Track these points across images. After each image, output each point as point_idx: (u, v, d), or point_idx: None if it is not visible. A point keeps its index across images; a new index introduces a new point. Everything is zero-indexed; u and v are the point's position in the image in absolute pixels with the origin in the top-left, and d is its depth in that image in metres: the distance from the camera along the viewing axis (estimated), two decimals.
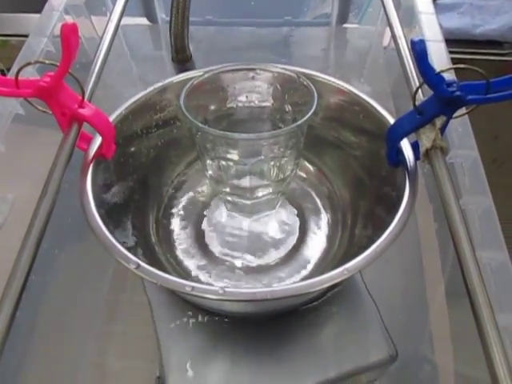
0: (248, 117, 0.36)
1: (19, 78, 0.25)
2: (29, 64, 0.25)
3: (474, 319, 0.20)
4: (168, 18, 0.48)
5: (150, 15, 0.46)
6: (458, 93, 0.24)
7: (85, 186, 0.27)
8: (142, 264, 0.23)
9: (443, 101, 0.25)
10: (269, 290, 0.22)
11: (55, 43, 0.34)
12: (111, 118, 0.31)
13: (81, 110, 0.27)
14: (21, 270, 0.21)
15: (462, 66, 0.24)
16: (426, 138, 0.26)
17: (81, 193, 0.27)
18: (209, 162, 0.33)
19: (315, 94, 0.30)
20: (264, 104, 0.36)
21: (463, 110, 0.27)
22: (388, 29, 0.34)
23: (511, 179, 0.72)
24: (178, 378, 0.30)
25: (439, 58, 0.32)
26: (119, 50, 0.43)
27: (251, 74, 0.35)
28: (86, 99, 0.28)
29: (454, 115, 0.26)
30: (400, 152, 0.29)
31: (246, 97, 0.36)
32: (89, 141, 0.30)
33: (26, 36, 0.60)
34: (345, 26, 0.45)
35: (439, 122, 0.25)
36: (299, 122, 0.28)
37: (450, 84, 0.25)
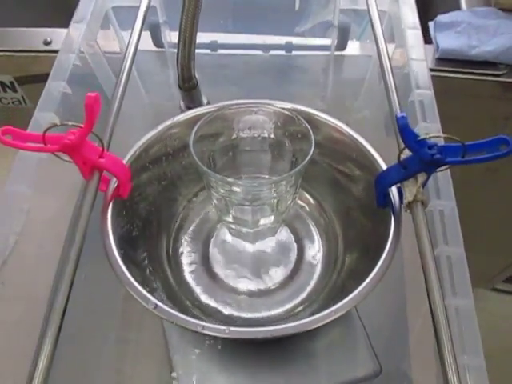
0: (251, 148, 0.39)
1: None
2: (55, 125, 0.28)
3: (439, 358, 0.24)
4: (175, 41, 0.50)
5: (157, 41, 0.49)
6: (437, 156, 0.27)
7: (106, 227, 0.31)
8: (160, 304, 0.27)
9: (424, 162, 0.28)
10: (269, 329, 0.26)
11: (71, 84, 0.37)
12: (126, 159, 0.34)
13: (101, 160, 0.30)
14: (57, 312, 0.25)
15: (443, 135, 0.27)
16: (409, 191, 0.29)
17: (102, 233, 0.30)
18: (214, 194, 0.36)
19: (312, 140, 0.32)
20: (265, 137, 0.38)
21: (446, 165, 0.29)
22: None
23: (505, 186, 0.75)
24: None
25: (428, 108, 0.35)
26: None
27: (254, 109, 0.37)
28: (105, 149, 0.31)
29: (437, 169, 0.29)
30: (387, 196, 0.32)
31: (249, 129, 0.39)
32: (107, 182, 0.33)
33: (28, 51, 0.62)
34: (344, 53, 0.47)
35: (421, 178, 0.28)
36: (296, 169, 0.31)
37: (431, 146, 0.28)
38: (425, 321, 0.33)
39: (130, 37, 0.37)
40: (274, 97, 0.51)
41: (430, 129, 0.34)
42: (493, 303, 1.19)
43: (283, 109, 0.36)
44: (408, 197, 0.29)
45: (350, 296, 0.27)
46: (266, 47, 0.49)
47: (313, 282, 0.36)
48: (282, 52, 0.49)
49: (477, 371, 0.25)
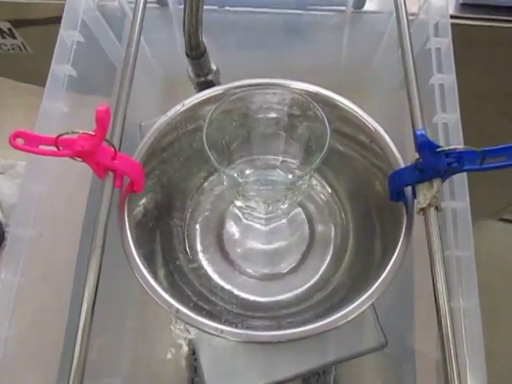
0: (265, 130, 0.38)
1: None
2: (66, 134, 0.28)
3: (442, 357, 0.26)
4: None
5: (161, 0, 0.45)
6: (455, 164, 0.27)
7: (124, 225, 0.31)
8: (181, 309, 0.28)
9: (441, 170, 0.27)
10: (282, 333, 0.28)
11: (75, 66, 0.36)
12: (137, 151, 0.34)
13: (114, 162, 0.30)
14: (84, 313, 0.26)
15: (460, 146, 0.26)
16: (423, 196, 0.29)
17: (121, 233, 0.31)
18: (225, 182, 0.36)
19: (328, 133, 0.31)
20: (280, 119, 0.37)
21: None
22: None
23: None
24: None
25: (449, 93, 0.33)
26: None
27: (269, 91, 0.36)
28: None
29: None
30: (401, 193, 0.32)
31: (264, 111, 0.37)
32: (121, 178, 0.33)
33: None
34: (362, 11, 0.44)
35: (436, 184, 0.28)
36: (313, 166, 0.31)
37: (448, 154, 0.27)
38: (429, 302, 0.34)
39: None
40: (285, 60, 0.49)
41: (448, 120, 0.33)
42: (499, 233, 1.22)
43: (299, 93, 0.34)
44: (422, 202, 0.29)
45: (361, 299, 0.29)
46: (277, 3, 0.46)
47: (324, 267, 0.38)
48: (295, 10, 0.45)
49: (477, 371, 0.27)
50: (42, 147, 0.29)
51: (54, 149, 0.29)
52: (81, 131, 0.28)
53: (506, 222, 1.24)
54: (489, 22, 0.53)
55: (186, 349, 0.46)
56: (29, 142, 0.29)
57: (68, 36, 0.36)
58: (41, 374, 0.31)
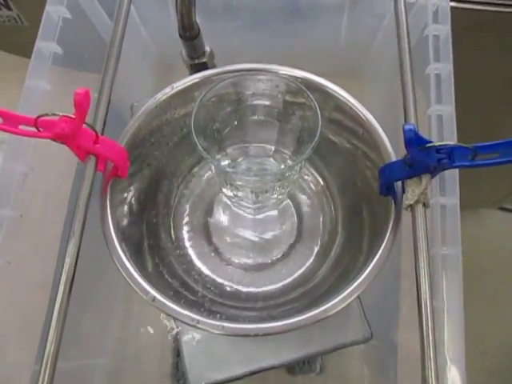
0: (258, 117, 0.37)
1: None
2: (46, 115, 0.27)
3: (420, 356, 0.25)
4: None
5: None
6: (445, 161, 0.26)
7: (106, 210, 0.31)
8: (158, 297, 0.28)
9: (431, 166, 0.26)
10: (261, 326, 0.27)
11: (61, 43, 0.35)
12: (123, 134, 0.33)
13: (96, 146, 0.29)
14: (58, 303, 0.26)
15: (451, 142, 0.25)
16: (412, 192, 0.28)
17: (102, 219, 0.31)
18: (213, 171, 0.35)
19: (319, 125, 0.30)
20: (274, 107, 0.36)
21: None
22: None
23: None
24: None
25: (445, 84, 0.32)
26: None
27: (263, 77, 0.35)
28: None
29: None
30: (391, 187, 0.31)
31: (257, 98, 0.36)
32: (105, 162, 0.32)
33: None
34: None
35: (425, 180, 0.27)
36: (303, 156, 0.30)
37: (439, 150, 0.26)
38: (414, 296, 0.33)
39: None
40: (283, 44, 0.47)
41: (442, 111, 0.31)
42: (499, 222, 1.21)
43: (293, 81, 0.33)
44: (410, 198, 0.28)
45: (344, 293, 0.28)
46: None
47: (311, 259, 0.37)
48: None
49: (458, 371, 0.26)
50: (22, 128, 0.29)
51: (34, 130, 0.28)
52: (61, 113, 0.27)
53: (506, 211, 1.23)
54: (491, 6, 0.51)
55: (170, 332, 0.46)
56: (8, 122, 0.29)
57: (54, 11, 0.35)
58: (20, 355, 0.31)
